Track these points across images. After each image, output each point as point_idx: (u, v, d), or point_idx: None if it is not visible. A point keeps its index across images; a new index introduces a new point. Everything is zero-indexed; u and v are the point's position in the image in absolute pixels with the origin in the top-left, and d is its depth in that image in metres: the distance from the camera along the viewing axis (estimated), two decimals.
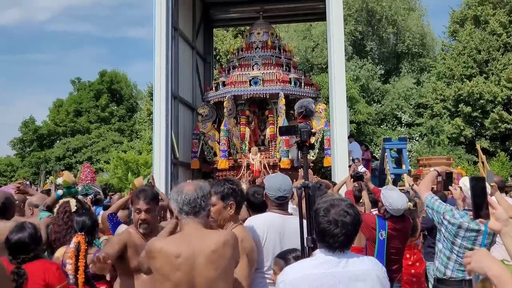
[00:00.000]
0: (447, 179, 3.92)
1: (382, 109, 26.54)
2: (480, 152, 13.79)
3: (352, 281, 2.07)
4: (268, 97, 11.09)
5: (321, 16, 12.15)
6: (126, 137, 34.12)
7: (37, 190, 8.47)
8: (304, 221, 2.84)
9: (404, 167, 11.26)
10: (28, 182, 10.48)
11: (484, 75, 22.75)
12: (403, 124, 26.01)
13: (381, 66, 28.18)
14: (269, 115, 11.39)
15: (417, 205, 6.07)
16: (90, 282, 3.52)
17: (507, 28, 22.93)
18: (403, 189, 7.34)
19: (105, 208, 6.55)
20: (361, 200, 5.70)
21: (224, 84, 11.38)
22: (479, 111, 22.30)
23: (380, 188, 4.74)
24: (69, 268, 3.42)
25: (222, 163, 10.84)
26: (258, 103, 11.56)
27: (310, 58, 27.36)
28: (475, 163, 19.66)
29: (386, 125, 26.31)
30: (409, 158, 16.80)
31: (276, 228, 3.07)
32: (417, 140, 24.82)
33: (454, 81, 23.19)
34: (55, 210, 4.36)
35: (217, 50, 22.83)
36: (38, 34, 71.09)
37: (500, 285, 1.59)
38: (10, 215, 4.03)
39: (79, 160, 31.90)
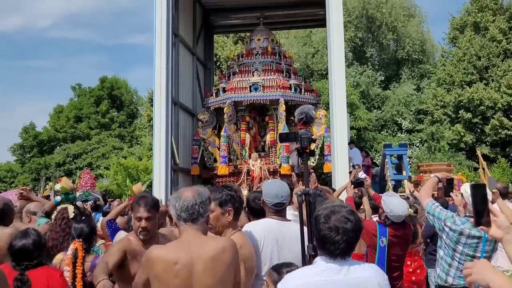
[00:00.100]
0: (448, 185, 3.90)
1: (382, 115, 26.56)
2: (481, 158, 13.75)
3: None
4: (268, 103, 11.10)
5: (321, 22, 12.18)
6: (126, 143, 34.11)
7: (37, 195, 8.44)
8: (305, 228, 2.81)
9: (404, 173, 11.24)
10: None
11: (484, 81, 22.78)
12: (403, 130, 26.02)
13: (381, 72, 28.24)
14: (269, 121, 11.38)
15: (417, 212, 6.05)
16: None
17: (506, 35, 22.98)
18: (403, 195, 7.31)
19: (105, 214, 6.52)
20: (361, 207, 5.67)
21: (224, 90, 11.39)
22: (480, 117, 22.31)
23: (380, 195, 4.72)
24: (67, 275, 3.39)
25: (222, 169, 10.83)
26: (258, 109, 11.57)
27: (310, 64, 27.43)
28: (476, 169, 19.63)
29: (387, 131, 26.32)
30: (410, 164, 16.77)
31: (274, 234, 3.05)
32: (418, 146, 24.82)
33: (454, 87, 23.22)
34: (53, 216, 4.33)
35: (217, 56, 22.88)
36: (39, 41, 71.33)
37: None
38: (8, 221, 4.01)
39: (79, 166, 31.87)
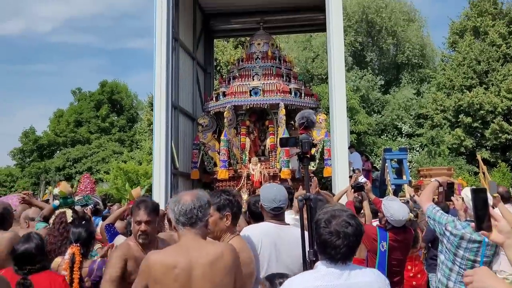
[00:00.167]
0: (449, 190, 3.89)
1: (382, 119, 26.58)
2: (481, 163, 13.74)
3: None
4: (268, 107, 11.09)
5: (321, 27, 12.19)
6: (126, 147, 34.12)
7: (36, 199, 8.42)
8: (306, 233, 2.80)
9: (404, 177, 11.22)
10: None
11: (484, 85, 22.81)
12: (403, 135, 26.03)
13: (381, 76, 28.28)
14: (269, 125, 11.37)
15: (418, 216, 6.03)
16: None
17: (506, 39, 23.03)
18: (403, 200, 7.30)
19: (104, 218, 6.50)
20: (362, 211, 5.65)
21: (224, 94, 11.38)
22: (479, 121, 22.31)
23: (381, 199, 4.70)
24: None
25: (222, 173, 10.80)
26: (258, 113, 11.55)
27: (310, 69, 27.47)
28: (476, 173, 19.62)
29: (387, 136, 26.32)
30: (410, 168, 16.75)
31: (272, 238, 3.04)
32: (418, 151, 24.81)
33: (454, 91, 23.24)
34: (51, 220, 4.31)
35: (217, 61, 22.91)
36: (39, 45, 71.55)
37: None
38: (8, 225, 3.99)
39: (79, 171, 31.86)
